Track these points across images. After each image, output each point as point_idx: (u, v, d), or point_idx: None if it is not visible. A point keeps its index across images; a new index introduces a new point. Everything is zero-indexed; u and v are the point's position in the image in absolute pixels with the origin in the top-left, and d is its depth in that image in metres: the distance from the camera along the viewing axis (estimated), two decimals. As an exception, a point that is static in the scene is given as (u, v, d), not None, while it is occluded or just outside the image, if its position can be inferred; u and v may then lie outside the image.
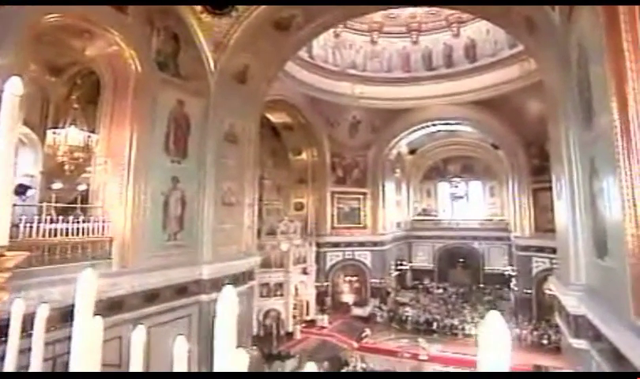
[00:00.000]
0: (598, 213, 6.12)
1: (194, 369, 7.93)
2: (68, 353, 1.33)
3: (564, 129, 8.19)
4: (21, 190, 9.55)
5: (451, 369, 16.46)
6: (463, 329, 20.41)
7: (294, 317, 20.00)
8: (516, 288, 23.18)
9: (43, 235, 7.70)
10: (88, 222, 8.78)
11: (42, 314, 1.69)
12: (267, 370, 14.85)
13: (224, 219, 12.25)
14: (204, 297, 10.99)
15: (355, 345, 18.98)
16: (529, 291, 21.48)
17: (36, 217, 7.81)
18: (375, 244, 25.71)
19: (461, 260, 30.75)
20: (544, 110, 14.55)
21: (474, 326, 20.03)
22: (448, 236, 31.51)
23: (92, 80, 10.85)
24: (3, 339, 1.73)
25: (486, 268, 29.67)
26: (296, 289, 20.72)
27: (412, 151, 31.18)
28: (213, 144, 11.94)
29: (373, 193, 25.93)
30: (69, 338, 1.32)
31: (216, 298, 1.11)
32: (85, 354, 1.30)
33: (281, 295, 19.56)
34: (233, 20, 11.60)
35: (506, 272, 26.36)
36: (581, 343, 6.97)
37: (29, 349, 1.67)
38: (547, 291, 17.12)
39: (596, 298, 6.43)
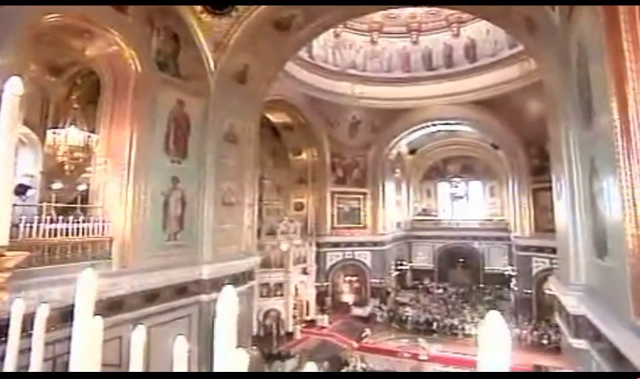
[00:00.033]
0: (598, 213, 6.12)
1: (194, 369, 7.93)
2: (68, 353, 1.33)
3: (564, 128, 8.19)
4: (21, 190, 9.55)
5: (451, 369, 16.46)
6: (463, 329, 20.40)
7: (294, 316, 20.01)
8: (516, 288, 23.18)
9: (43, 235, 7.70)
10: (88, 222, 8.78)
11: (42, 314, 1.69)
12: (267, 370, 14.85)
13: (224, 219, 12.25)
14: (204, 297, 10.99)
15: (355, 345, 18.98)
16: (529, 291, 21.48)
17: (36, 217, 7.81)
18: (375, 244, 25.71)
19: (461, 260, 30.75)
20: (543, 110, 14.55)
21: (474, 326, 20.03)
22: (448, 236, 31.51)
23: (92, 80, 10.85)
24: (3, 339, 1.73)
25: (486, 268, 29.66)
26: (296, 289, 20.72)
27: (412, 151, 31.18)
28: (213, 144, 11.94)
29: (373, 193, 25.93)
30: (70, 338, 1.32)
31: (216, 298, 1.11)
32: (85, 354, 1.30)
33: (281, 295, 19.57)
34: (233, 20, 11.60)
35: (506, 272, 26.36)
36: (581, 343, 6.97)
37: (29, 349, 1.67)
38: (547, 291, 17.13)
39: (596, 298, 6.43)
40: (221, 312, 1.06)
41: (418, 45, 23.53)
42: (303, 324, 20.40)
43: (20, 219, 7.34)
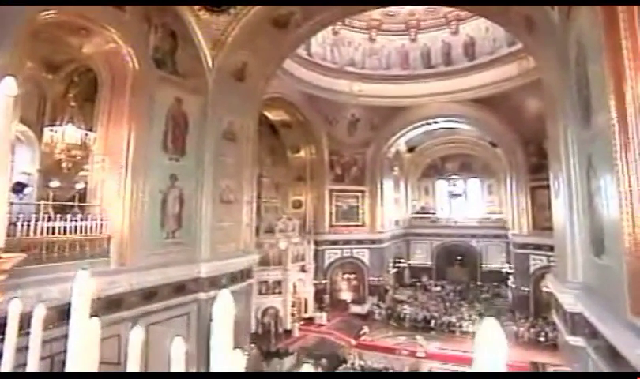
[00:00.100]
0: (595, 211, 6.15)
1: (193, 368, 7.94)
2: (65, 351, 1.33)
3: (562, 127, 8.20)
4: (19, 188, 9.52)
5: (449, 366, 16.52)
6: (460, 327, 20.48)
7: (292, 314, 20.06)
8: (513, 286, 23.29)
9: (41, 233, 7.69)
10: (86, 220, 8.76)
11: (39, 314, 1.69)
12: (265, 368, 14.88)
13: (223, 217, 12.24)
14: (202, 295, 10.99)
15: (354, 342, 19.03)
16: (527, 289, 21.58)
17: (34, 215, 7.80)
18: (373, 242, 25.75)
19: (459, 257, 30.83)
20: (542, 108, 14.58)
21: (471, 323, 20.15)
22: (446, 234, 31.58)
23: (90, 78, 10.80)
24: (0, 337, 1.73)
25: (484, 265, 29.76)
26: (295, 287, 20.76)
27: (411, 149, 31.20)
28: (211, 142, 11.92)
29: (371, 191, 25.95)
30: (67, 336, 1.32)
31: (214, 296, 1.11)
32: (82, 352, 1.30)
33: (280, 293, 19.61)
34: (231, 18, 11.55)
35: (504, 270, 26.48)
36: (577, 341, 7.02)
37: (27, 347, 1.67)
38: (545, 289, 17.18)
39: (593, 296, 6.46)
40: (218, 314, 1.06)
41: (417, 43, 23.51)
42: (302, 322, 20.45)
43: (18, 218, 7.32)
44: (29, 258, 6.91)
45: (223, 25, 11.62)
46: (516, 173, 22.74)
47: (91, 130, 10.10)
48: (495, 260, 28.92)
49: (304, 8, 12.26)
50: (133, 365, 1.34)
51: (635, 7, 4.50)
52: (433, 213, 33.67)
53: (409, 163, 32.46)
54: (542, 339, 18.39)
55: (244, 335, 13.13)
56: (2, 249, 1.38)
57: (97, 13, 8.91)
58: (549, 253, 17.05)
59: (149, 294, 9.67)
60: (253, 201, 14.12)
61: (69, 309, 1.35)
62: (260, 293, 18.66)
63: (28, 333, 1.65)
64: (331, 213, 25.04)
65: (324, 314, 21.62)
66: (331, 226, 24.94)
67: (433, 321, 21.13)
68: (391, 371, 16.19)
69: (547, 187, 11.48)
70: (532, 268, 21.26)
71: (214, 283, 11.14)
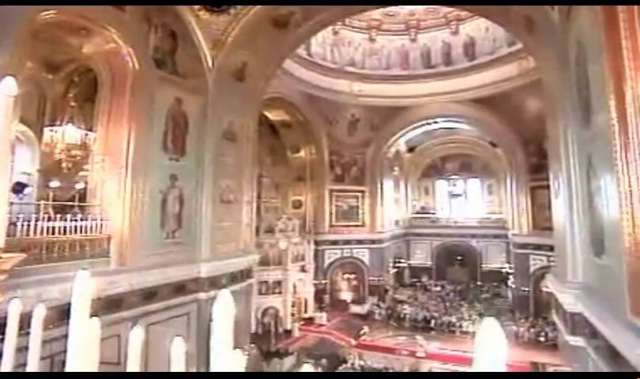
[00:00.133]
0: (595, 211, 6.15)
1: (193, 368, 7.95)
2: (65, 351, 1.33)
3: (562, 127, 8.20)
4: (19, 188, 9.52)
5: (449, 366, 16.52)
6: (460, 327, 20.48)
7: (292, 314, 20.06)
8: (513, 286, 23.29)
9: (41, 233, 7.69)
10: (86, 220, 8.76)
11: (39, 314, 1.69)
12: (265, 368, 14.87)
13: (223, 217, 12.24)
14: (202, 295, 10.99)
15: (354, 342, 19.03)
16: (527, 289, 21.58)
17: (34, 215, 7.80)
18: (373, 242, 25.75)
19: (459, 257, 30.83)
20: (542, 108, 14.58)
21: (471, 323, 20.15)
22: (446, 234, 31.57)
23: (90, 78, 10.80)
24: (0, 337, 1.73)
25: (484, 265, 29.76)
26: (295, 287, 20.76)
27: (411, 149, 31.20)
28: (212, 142, 11.92)
29: (371, 191, 25.95)
30: (67, 336, 1.32)
31: (214, 296, 1.12)
32: (82, 352, 1.30)
33: (280, 293, 19.61)
34: (231, 18, 11.55)
35: (504, 270, 26.48)
36: (577, 341, 7.02)
37: (27, 347, 1.67)
38: (545, 289, 17.18)
39: (593, 296, 6.46)
40: (218, 314, 1.06)
41: (417, 43, 23.51)
42: (302, 322, 20.45)
43: (18, 218, 7.32)
44: (29, 258, 6.91)
45: (223, 25, 11.62)
46: (516, 173, 22.74)
47: (91, 130, 10.10)
48: (495, 260, 28.92)
49: (304, 8, 12.26)
50: (133, 365, 1.34)
51: (635, 7, 4.50)
52: (433, 213, 33.67)
53: (409, 162, 32.47)
54: (542, 339, 18.39)
55: (244, 335, 13.13)
56: (2, 249, 1.38)
57: (97, 13, 8.91)
58: (549, 253, 17.05)
59: (149, 294, 9.67)
60: (253, 201, 14.12)
61: (69, 309, 1.35)
62: (260, 293, 18.66)
63: (28, 333, 1.65)
64: (331, 213, 25.03)
65: (324, 314, 21.62)
66: (331, 226, 24.94)
67: (433, 321, 21.13)
68: (391, 371, 16.19)
69: (547, 187, 11.48)
70: (532, 268, 21.26)
71: (214, 283, 11.14)
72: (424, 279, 30.36)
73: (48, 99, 11.54)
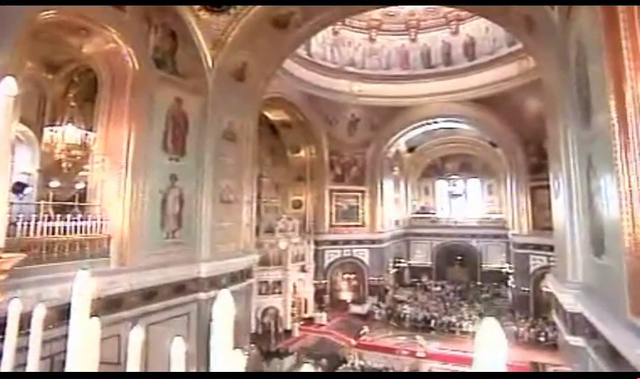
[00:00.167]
0: (595, 211, 6.14)
1: (193, 368, 7.95)
2: (65, 351, 1.33)
3: (562, 127, 8.20)
4: (19, 188, 9.52)
5: (449, 366, 16.53)
6: (460, 326, 20.49)
7: (292, 314, 20.06)
8: (513, 286, 23.29)
9: (41, 233, 7.69)
10: (86, 220, 8.76)
11: (39, 314, 1.69)
12: (265, 368, 14.88)
13: (223, 217, 12.24)
14: (202, 295, 10.99)
15: (354, 342, 19.03)
16: (527, 289, 21.58)
17: (34, 215, 7.80)
18: (373, 242, 25.75)
19: (459, 257, 30.84)
20: (542, 108, 14.58)
21: (472, 323, 20.15)
22: (446, 234, 31.58)
23: (90, 78, 10.80)
24: (0, 337, 1.73)
25: (484, 265, 29.76)
26: (295, 287, 20.76)
27: (411, 149, 31.20)
28: (212, 142, 11.92)
29: (371, 191, 25.95)
30: (67, 336, 1.32)
31: (214, 296, 1.12)
32: (82, 352, 1.30)
33: (280, 293, 19.61)
34: (231, 18, 11.55)
35: (504, 270, 26.48)
36: (577, 341, 7.01)
37: (27, 347, 1.67)
38: (545, 289, 17.18)
39: (593, 296, 6.46)
40: (218, 314, 1.06)
41: (417, 43, 23.51)
42: (302, 322, 20.45)
43: (18, 218, 7.32)
44: (29, 258, 6.92)
45: (223, 25, 11.62)
46: (516, 173, 22.74)
47: (91, 130, 10.10)
48: (495, 260, 28.92)
49: (304, 8, 12.26)
50: (133, 365, 1.34)
51: (635, 7, 4.50)
52: (433, 213, 33.67)
53: (409, 163, 32.47)
54: (542, 339, 18.39)
55: (244, 335, 13.13)
56: (2, 249, 1.38)
57: (97, 13, 8.91)
58: (549, 253, 17.05)
59: (149, 294, 9.67)
60: (253, 201, 14.12)
61: (69, 309, 1.35)
62: (260, 293, 18.66)
63: (28, 333, 1.65)
64: (331, 213, 25.04)
65: (324, 314, 21.62)
66: (331, 226, 24.94)
67: (433, 321, 21.13)
68: (391, 371, 16.19)
69: (547, 187, 11.48)
70: (532, 268, 21.26)
71: (214, 283, 11.14)
72: (424, 279, 30.36)
73: (48, 99, 11.54)
